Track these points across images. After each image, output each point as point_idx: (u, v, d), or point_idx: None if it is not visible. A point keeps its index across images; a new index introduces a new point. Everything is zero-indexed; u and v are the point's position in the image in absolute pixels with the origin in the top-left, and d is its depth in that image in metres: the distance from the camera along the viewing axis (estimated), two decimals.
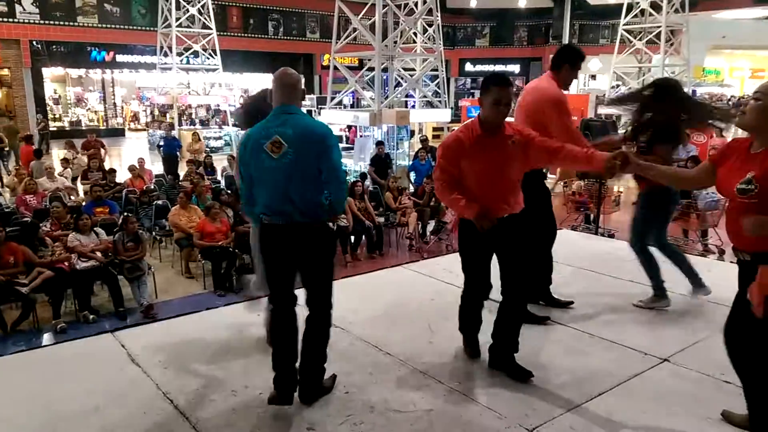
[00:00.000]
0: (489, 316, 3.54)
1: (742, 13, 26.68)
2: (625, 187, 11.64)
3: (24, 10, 20.95)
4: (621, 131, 6.65)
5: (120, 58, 24.16)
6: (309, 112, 17.59)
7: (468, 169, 3.26)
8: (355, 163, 14.71)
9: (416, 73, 16.83)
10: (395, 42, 14.14)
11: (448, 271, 5.01)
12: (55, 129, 23.47)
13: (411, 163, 13.41)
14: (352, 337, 3.93)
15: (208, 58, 20.71)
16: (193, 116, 24.76)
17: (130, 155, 18.01)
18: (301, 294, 3.09)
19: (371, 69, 14.66)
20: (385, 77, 14.80)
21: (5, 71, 22.09)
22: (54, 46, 22.33)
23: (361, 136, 16.32)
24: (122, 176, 12.34)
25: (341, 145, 3.17)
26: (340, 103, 16.45)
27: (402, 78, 15.92)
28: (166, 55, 20.48)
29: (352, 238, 9.61)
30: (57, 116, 25.99)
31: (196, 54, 20.55)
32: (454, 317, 3.68)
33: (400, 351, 3.71)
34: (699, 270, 4.46)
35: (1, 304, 6.66)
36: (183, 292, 8.11)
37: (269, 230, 3.00)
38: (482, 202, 3.22)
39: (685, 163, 8.15)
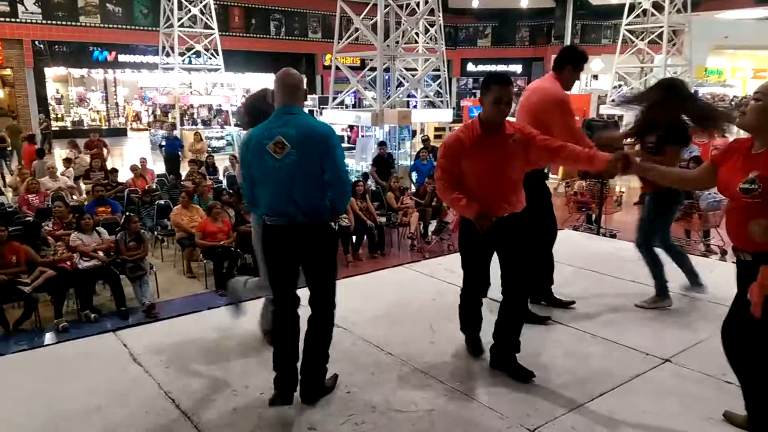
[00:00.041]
0: (490, 315, 3.54)
1: (744, 13, 26.65)
2: (626, 187, 11.64)
3: (26, 10, 20.99)
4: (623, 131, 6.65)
5: (122, 58, 24.18)
6: (311, 112, 17.61)
7: (468, 168, 3.27)
8: (356, 163, 14.71)
9: (418, 73, 16.81)
10: (397, 42, 14.12)
11: (449, 271, 5.01)
12: (57, 129, 23.49)
13: (413, 163, 13.41)
14: (353, 337, 3.93)
15: (210, 58, 20.74)
16: (195, 116, 24.80)
17: (132, 155, 18.02)
18: (302, 293, 3.09)
19: (373, 69, 14.64)
20: (386, 77, 14.78)
21: (8, 71, 22.15)
22: (56, 46, 22.36)
23: (362, 136, 16.33)
24: (124, 176, 12.34)
25: (343, 145, 3.15)
26: (341, 103, 16.43)
27: (404, 78, 15.92)
28: (168, 55, 20.51)
29: (354, 237, 9.60)
30: (59, 116, 26.02)
31: (198, 54, 20.58)
32: (456, 317, 3.69)
33: (401, 351, 3.71)
34: (701, 270, 4.46)
35: (4, 304, 6.66)
36: (185, 291, 8.11)
37: (272, 231, 2.99)
38: (483, 201, 3.22)
39: (687, 163, 8.15)
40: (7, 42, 20.91)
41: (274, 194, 2.93)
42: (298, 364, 3.06)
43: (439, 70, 17.19)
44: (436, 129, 19.23)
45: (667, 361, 3.59)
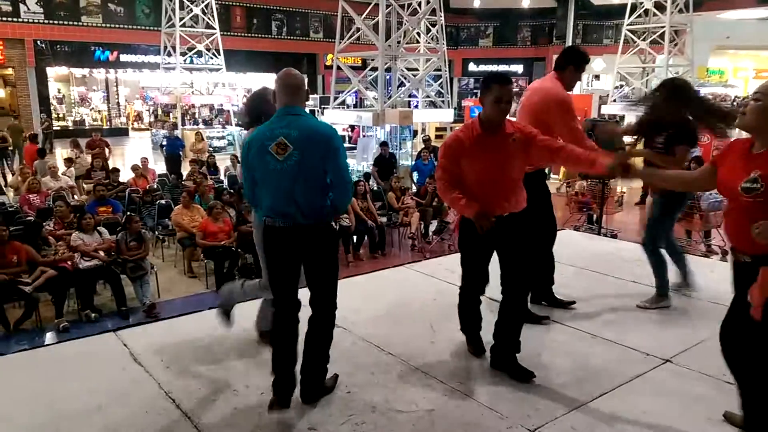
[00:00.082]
0: (490, 315, 3.54)
1: (746, 13, 26.60)
2: (627, 187, 11.63)
3: (28, 9, 21.01)
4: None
5: (124, 57, 24.20)
6: (312, 111, 17.62)
7: (468, 168, 3.28)
8: (357, 163, 14.72)
9: (419, 73, 16.81)
10: (398, 42, 14.11)
11: (450, 271, 5.00)
12: (58, 128, 23.52)
13: (414, 163, 13.42)
14: (354, 337, 3.93)
15: (212, 58, 20.74)
16: (197, 116, 24.80)
17: (134, 155, 18.03)
18: (303, 294, 3.09)
19: (374, 69, 14.64)
20: (388, 77, 14.78)
21: (9, 71, 22.18)
22: (58, 46, 22.38)
23: (364, 136, 16.33)
24: (125, 176, 12.36)
25: (344, 145, 3.14)
26: (343, 103, 16.43)
27: (405, 78, 15.91)
28: (169, 54, 20.51)
29: (355, 237, 9.61)
30: (61, 116, 26.04)
31: (199, 54, 20.58)
32: (456, 317, 3.70)
33: (402, 351, 3.71)
34: (701, 270, 4.48)
35: (5, 303, 6.67)
36: (185, 291, 8.12)
37: (273, 232, 2.97)
38: (483, 201, 3.24)
39: (689, 163, 8.14)
40: (9, 41, 20.94)
41: (276, 195, 2.91)
42: (297, 368, 3.04)
43: (440, 70, 17.19)
44: (438, 129, 19.22)
45: (668, 361, 3.59)
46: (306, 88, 3.08)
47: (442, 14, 16.59)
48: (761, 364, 2.57)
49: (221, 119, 24.33)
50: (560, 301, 4.40)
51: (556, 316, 4.25)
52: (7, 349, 5.59)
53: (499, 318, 3.42)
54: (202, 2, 20.07)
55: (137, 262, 7.48)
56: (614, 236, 8.50)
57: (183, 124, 21.34)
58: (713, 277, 4.52)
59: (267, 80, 23.62)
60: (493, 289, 3.48)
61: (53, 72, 24.02)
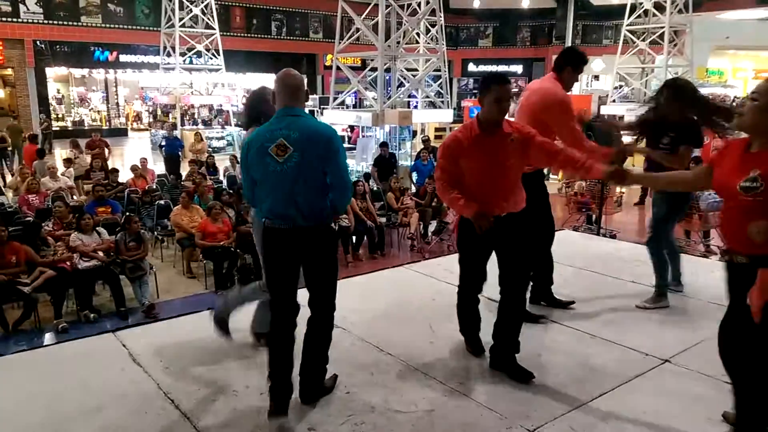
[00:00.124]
0: (489, 315, 3.54)
1: (745, 13, 26.63)
2: (627, 188, 11.63)
3: (28, 9, 21.02)
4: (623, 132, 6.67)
5: (123, 58, 24.21)
6: (311, 112, 17.62)
7: (467, 168, 3.30)
8: (357, 164, 14.72)
9: (419, 74, 16.81)
10: (398, 42, 14.12)
11: (449, 271, 5.00)
12: (57, 129, 23.51)
13: (413, 163, 13.42)
14: (353, 338, 3.92)
15: (211, 58, 20.75)
16: (196, 116, 24.81)
17: (133, 155, 18.03)
18: (302, 294, 3.08)
19: (374, 69, 14.65)
20: (387, 77, 14.79)
21: (9, 71, 22.19)
22: (57, 46, 22.39)
23: (363, 137, 16.33)
24: (124, 176, 12.36)
25: (344, 146, 3.12)
26: (342, 103, 16.44)
27: (405, 78, 15.92)
28: (169, 55, 20.52)
29: (354, 238, 9.61)
30: (60, 116, 26.05)
31: (199, 54, 20.59)
32: (455, 317, 3.70)
33: (401, 351, 3.71)
34: (701, 271, 4.48)
35: (3, 304, 6.67)
36: (184, 291, 8.12)
37: (272, 234, 2.93)
38: (482, 201, 3.25)
39: (689, 163, 8.14)
40: (9, 42, 20.94)
41: (275, 197, 2.88)
42: (295, 370, 3.02)
43: (439, 70, 17.20)
44: (437, 129, 19.22)
45: (667, 361, 3.59)
46: (305, 88, 3.06)
47: (442, 14, 16.61)
48: (760, 366, 2.56)
49: (220, 120, 24.34)
50: (559, 301, 4.40)
51: (555, 316, 4.24)
52: (6, 350, 5.59)
53: (498, 318, 3.42)
54: (202, 2, 20.07)
55: (136, 262, 7.47)
56: (613, 236, 8.50)
57: (182, 124, 21.35)
58: (713, 277, 4.51)
59: (266, 81, 23.65)
60: (492, 288, 3.48)
61: (52, 72, 24.05)
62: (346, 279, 5.11)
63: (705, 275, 4.48)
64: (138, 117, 29.13)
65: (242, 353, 3.70)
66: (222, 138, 21.81)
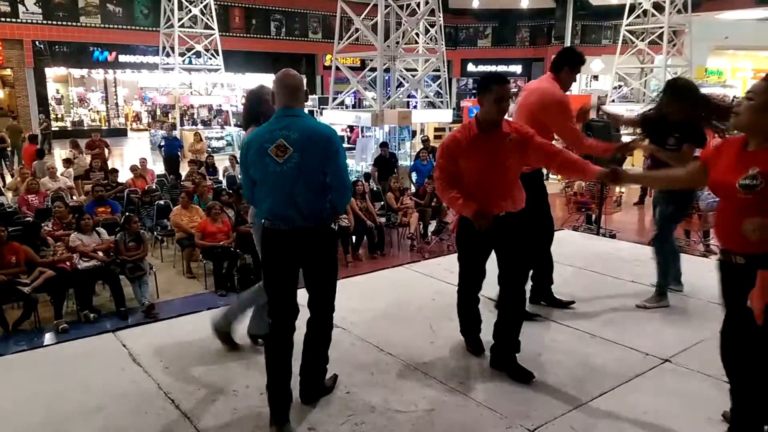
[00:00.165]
0: (490, 316, 3.54)
1: (744, 13, 26.63)
2: (626, 187, 11.63)
3: (27, 10, 21.00)
4: (623, 131, 6.69)
5: (122, 58, 24.20)
6: (311, 112, 17.62)
7: (466, 167, 3.31)
8: (356, 164, 14.73)
9: (418, 74, 16.83)
10: (397, 42, 14.13)
11: (449, 271, 5.00)
12: (57, 129, 23.52)
13: (413, 163, 13.42)
14: (353, 337, 3.93)
15: (211, 59, 20.75)
16: (195, 116, 24.81)
17: (132, 155, 18.04)
18: (301, 294, 3.08)
19: (373, 69, 14.66)
20: (387, 78, 14.79)
21: (8, 71, 22.18)
22: (57, 46, 22.38)
23: (362, 137, 16.34)
24: (124, 176, 12.35)
25: (343, 146, 3.11)
26: (342, 103, 16.45)
27: (404, 78, 15.94)
28: (168, 55, 20.52)
29: (354, 238, 9.61)
30: (59, 116, 26.05)
31: (198, 54, 20.59)
32: (455, 317, 3.70)
33: (401, 351, 3.71)
34: (702, 271, 4.49)
35: (3, 304, 6.67)
36: (184, 291, 8.12)
37: (272, 235, 2.91)
38: (481, 200, 3.26)
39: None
40: (8, 42, 20.92)
41: (275, 198, 2.86)
42: (296, 369, 3.01)
43: (439, 70, 17.21)
44: (436, 129, 19.23)
45: (667, 361, 3.59)
46: (305, 88, 3.05)
47: (441, 15, 16.63)
48: (763, 368, 2.56)
49: (220, 120, 24.34)
50: (559, 301, 4.40)
51: (555, 316, 4.25)
52: (6, 350, 5.59)
53: (499, 317, 3.43)
54: (201, 3, 20.07)
55: (136, 262, 7.47)
56: (613, 236, 8.50)
57: (181, 124, 21.36)
58: (713, 276, 4.49)
59: (266, 81, 23.64)
60: (492, 287, 3.49)
61: (52, 72, 24.05)
62: (346, 279, 5.11)
63: (705, 275, 4.46)
64: (137, 117, 29.14)
65: (242, 353, 3.70)
66: (221, 138, 21.81)
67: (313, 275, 2.99)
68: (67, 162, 13.02)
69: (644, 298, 4.46)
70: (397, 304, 4.52)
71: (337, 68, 14.98)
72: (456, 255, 3.63)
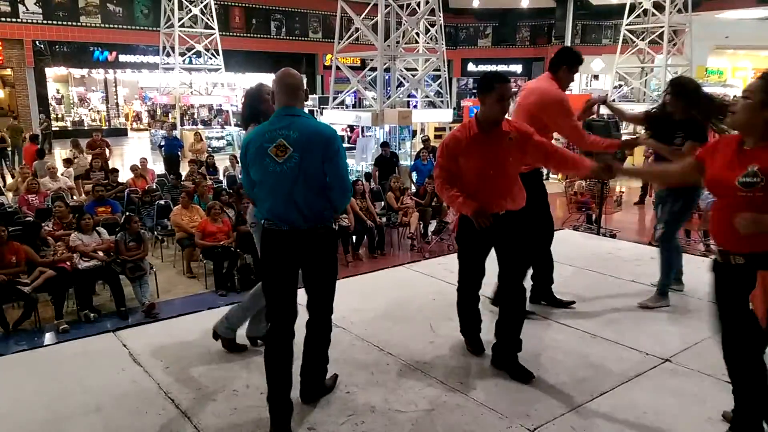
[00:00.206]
0: (490, 315, 3.54)
1: (745, 13, 26.62)
2: (626, 187, 11.64)
3: (27, 10, 21.01)
4: (623, 131, 6.70)
5: (123, 58, 24.22)
6: (311, 112, 17.63)
7: (466, 166, 3.32)
8: (356, 164, 14.73)
9: (418, 73, 16.83)
10: (397, 42, 14.13)
11: (449, 271, 4.99)
12: (57, 129, 23.53)
13: (413, 163, 13.42)
14: (353, 337, 3.93)
15: (211, 58, 20.76)
16: (196, 116, 24.81)
17: (133, 155, 18.04)
18: (301, 295, 3.07)
19: (373, 69, 14.66)
20: (387, 77, 14.79)
21: (8, 71, 22.19)
22: (57, 46, 22.39)
23: (363, 137, 16.34)
24: (124, 176, 12.35)
25: (343, 146, 3.09)
26: (342, 103, 16.45)
27: (404, 78, 15.93)
28: (168, 55, 20.53)
29: (354, 237, 9.60)
30: (59, 116, 26.06)
31: (198, 54, 20.60)
32: (456, 317, 3.70)
33: (401, 351, 3.71)
34: (702, 270, 4.48)
35: (4, 304, 6.66)
36: (184, 291, 8.12)
37: (272, 236, 2.89)
38: (481, 199, 3.26)
39: None
40: (8, 42, 20.94)
41: (275, 198, 2.84)
42: (296, 369, 3.00)
43: (439, 70, 17.20)
44: (437, 129, 19.25)
45: (667, 361, 3.59)
46: (305, 88, 3.03)
47: (441, 14, 16.62)
48: (760, 368, 2.56)
49: (220, 119, 24.33)
50: (560, 300, 4.40)
51: (555, 315, 4.25)
52: (6, 350, 5.60)
53: (500, 316, 3.43)
54: (201, 2, 20.08)
55: (136, 262, 7.47)
56: (613, 236, 8.49)
57: (182, 124, 21.37)
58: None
59: (266, 80, 23.61)
60: (491, 287, 3.48)
61: (52, 72, 24.06)
62: (346, 279, 5.11)
63: (705, 275, 4.46)
64: (137, 117, 29.14)
65: (242, 353, 3.70)
66: (221, 138, 21.80)
67: (313, 276, 2.97)
68: (68, 162, 13.03)
69: (645, 298, 4.46)
70: (397, 304, 4.52)
71: (338, 68, 14.98)
72: (456, 255, 3.63)
